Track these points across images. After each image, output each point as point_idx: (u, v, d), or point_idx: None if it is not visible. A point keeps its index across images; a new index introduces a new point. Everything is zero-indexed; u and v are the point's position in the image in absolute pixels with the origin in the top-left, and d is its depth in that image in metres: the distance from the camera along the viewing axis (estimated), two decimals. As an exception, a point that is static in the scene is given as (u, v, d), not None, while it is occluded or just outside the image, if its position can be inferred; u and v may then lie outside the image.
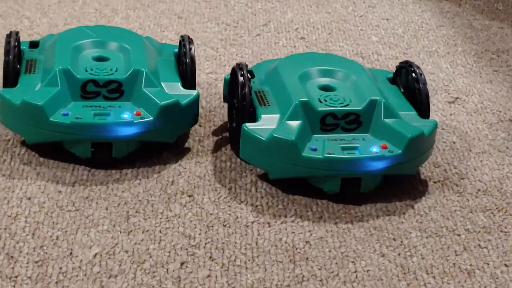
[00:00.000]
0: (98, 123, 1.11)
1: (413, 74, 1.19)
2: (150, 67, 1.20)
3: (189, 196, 1.08)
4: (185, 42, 1.26)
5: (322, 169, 1.07)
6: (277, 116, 1.12)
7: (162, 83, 1.19)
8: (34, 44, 1.29)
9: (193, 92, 1.18)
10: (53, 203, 1.05)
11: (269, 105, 1.14)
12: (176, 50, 1.30)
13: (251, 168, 1.15)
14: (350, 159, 1.06)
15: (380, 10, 1.70)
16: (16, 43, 1.21)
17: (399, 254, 1.00)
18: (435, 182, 1.14)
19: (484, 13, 1.72)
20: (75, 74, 1.15)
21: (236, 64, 1.19)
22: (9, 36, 1.23)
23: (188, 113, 1.18)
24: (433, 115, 1.31)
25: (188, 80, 1.22)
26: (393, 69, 1.40)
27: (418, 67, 1.20)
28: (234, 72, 1.19)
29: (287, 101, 1.12)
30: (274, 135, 1.07)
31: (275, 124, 1.10)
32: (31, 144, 1.16)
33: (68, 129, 1.11)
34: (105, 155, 1.14)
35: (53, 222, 1.01)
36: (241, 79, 1.15)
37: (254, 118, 1.13)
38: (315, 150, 1.07)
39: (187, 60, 1.23)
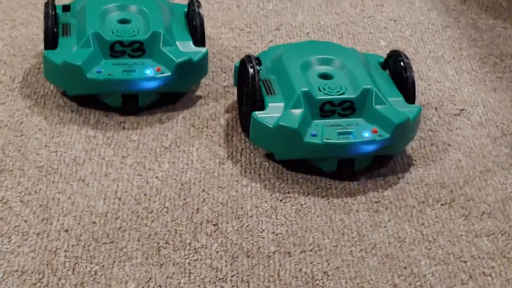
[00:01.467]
0: (127, 79, 1.35)
1: (401, 63, 1.34)
2: (166, 28, 1.42)
3: (214, 225, 1.16)
4: (194, 4, 1.47)
5: (321, 152, 1.24)
6: (282, 104, 1.27)
7: (176, 42, 1.41)
8: (66, 8, 1.51)
9: (203, 49, 1.41)
10: (89, 235, 1.13)
11: (275, 94, 1.29)
12: (186, 9, 1.51)
13: (271, 193, 1.23)
14: (345, 144, 1.23)
15: (388, 9, 1.76)
16: (53, 12, 1.42)
17: (410, 284, 1.09)
18: (442, 205, 1.23)
19: (488, 10, 1.77)
20: (104, 37, 1.38)
21: (246, 56, 1.34)
22: (46, 4, 1.43)
23: (199, 67, 1.41)
24: (440, 129, 1.39)
25: (199, 38, 1.44)
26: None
27: (406, 56, 1.35)
28: (243, 62, 1.33)
29: (290, 90, 1.28)
30: (280, 123, 1.23)
31: (281, 112, 1.25)
32: (71, 96, 1.39)
33: (102, 84, 1.35)
34: (133, 105, 1.38)
35: (91, 256, 1.10)
36: (251, 71, 1.31)
37: (261, 105, 1.27)
38: (315, 135, 1.24)
39: (197, 20, 1.45)
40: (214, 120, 1.38)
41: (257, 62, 1.36)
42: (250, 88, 1.29)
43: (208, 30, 1.64)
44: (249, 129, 1.28)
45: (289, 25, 1.68)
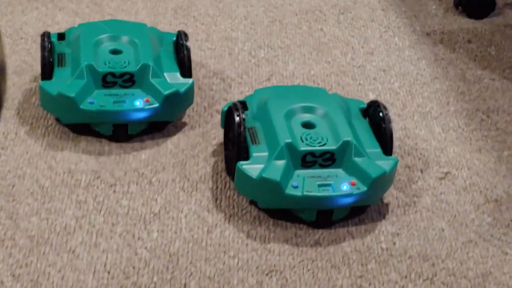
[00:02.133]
0: (117, 110, 1.44)
1: (380, 114, 1.40)
2: (155, 59, 1.50)
3: (201, 302, 1.19)
4: (182, 37, 1.56)
5: (302, 204, 1.30)
6: (266, 154, 1.32)
7: (164, 73, 1.49)
8: (61, 36, 1.58)
9: (189, 81, 1.50)
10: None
11: (259, 143, 1.34)
12: (174, 38, 1.59)
13: (257, 266, 1.26)
14: (324, 197, 1.29)
15: (378, 57, 1.78)
16: (49, 44, 1.50)
17: None
18: (424, 280, 1.25)
19: (477, 59, 1.79)
20: (97, 68, 1.45)
21: (233, 104, 1.39)
22: (43, 36, 1.52)
23: (186, 98, 1.50)
24: (424, 194, 1.41)
25: (185, 69, 1.52)
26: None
27: (385, 107, 1.40)
28: (230, 110, 1.38)
29: (274, 140, 1.33)
30: (263, 175, 1.29)
31: (264, 163, 1.31)
32: (65, 123, 1.48)
33: (94, 114, 1.44)
34: (122, 133, 1.47)
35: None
36: (237, 119, 1.35)
37: (246, 153, 1.34)
38: (296, 187, 1.29)
39: (184, 53, 1.53)
40: (203, 183, 1.41)
41: (243, 107, 1.41)
42: (236, 136, 1.35)
43: (200, 81, 1.66)
44: (234, 174, 1.34)
45: (280, 74, 1.70)
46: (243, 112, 1.37)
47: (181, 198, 1.37)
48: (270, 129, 1.36)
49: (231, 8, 1.92)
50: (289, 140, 1.32)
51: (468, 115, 1.62)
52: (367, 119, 1.44)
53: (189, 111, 1.56)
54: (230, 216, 1.35)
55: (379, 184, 1.32)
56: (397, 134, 1.55)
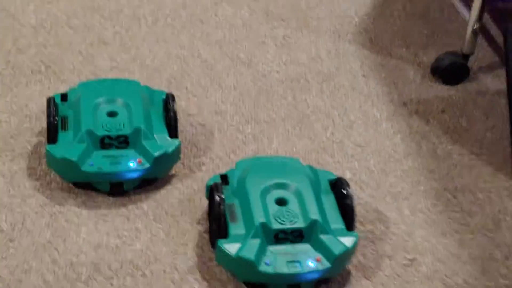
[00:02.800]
0: (113, 172, 1.65)
1: (344, 192, 1.59)
2: (146, 122, 1.71)
3: None
4: (169, 101, 1.77)
5: (273, 279, 1.49)
6: (243, 232, 1.51)
7: (154, 134, 1.70)
8: (63, 97, 1.78)
9: (176, 142, 1.71)
10: None
11: (237, 222, 1.54)
12: (164, 96, 1.80)
13: None
14: (293, 274, 1.48)
15: (356, 132, 1.92)
16: (54, 110, 1.70)
17: None
18: None
19: (449, 132, 1.93)
20: (95, 133, 1.67)
21: (214, 184, 1.59)
22: (48, 102, 1.72)
23: (173, 157, 1.72)
24: (391, 284, 1.57)
25: (172, 129, 1.74)
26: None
27: (348, 185, 1.60)
28: (211, 190, 1.58)
29: (250, 220, 1.53)
30: (239, 254, 1.48)
31: (241, 241, 1.50)
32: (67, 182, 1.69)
33: (93, 175, 1.65)
34: (119, 190, 1.68)
35: None
36: (217, 199, 1.55)
37: (225, 229, 1.53)
38: (268, 264, 1.48)
39: (171, 115, 1.74)
40: (191, 274, 1.56)
41: (224, 181, 1.63)
42: (216, 214, 1.54)
43: (191, 161, 1.80)
44: (215, 248, 1.53)
45: (264, 152, 1.85)
46: (222, 192, 1.57)
47: (171, 292, 1.53)
48: (247, 208, 1.56)
49: (221, 77, 2.06)
50: (263, 220, 1.52)
51: (436, 195, 1.77)
52: (332, 194, 1.63)
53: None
54: (215, 308, 1.51)
55: (342, 259, 1.53)
56: (370, 217, 1.70)
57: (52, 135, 1.70)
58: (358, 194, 1.75)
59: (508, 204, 1.75)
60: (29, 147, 1.81)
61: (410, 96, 2.04)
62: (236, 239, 1.51)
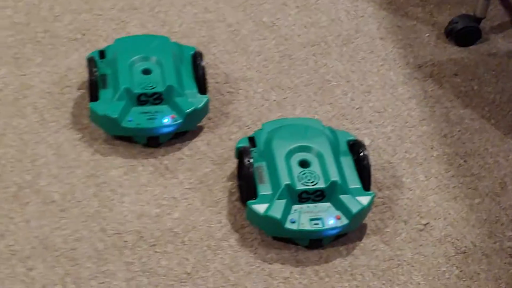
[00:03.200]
0: (150, 127, 1.84)
1: (361, 154, 1.76)
2: (177, 79, 1.89)
3: None
4: (197, 58, 1.94)
5: (298, 234, 1.69)
6: (270, 193, 1.70)
7: (185, 91, 1.89)
8: (101, 53, 1.96)
9: (205, 98, 1.89)
10: None
11: (264, 183, 1.72)
12: (192, 52, 1.98)
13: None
14: (315, 230, 1.67)
15: (374, 97, 2.05)
16: (94, 69, 1.88)
17: None
18: (400, 334, 1.60)
19: (461, 96, 2.07)
20: (133, 91, 1.84)
21: (243, 148, 1.77)
22: (89, 61, 1.91)
23: (202, 112, 1.90)
24: (406, 247, 1.74)
25: (201, 85, 1.92)
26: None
27: (364, 147, 1.77)
28: (241, 154, 1.76)
29: (277, 181, 1.71)
30: (268, 213, 1.66)
31: (269, 201, 1.68)
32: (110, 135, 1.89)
33: (132, 130, 1.84)
34: (155, 142, 1.88)
35: None
36: (246, 163, 1.73)
37: (254, 189, 1.71)
38: (293, 222, 1.66)
39: (200, 73, 1.93)
40: (226, 240, 1.73)
41: (252, 143, 1.80)
42: (245, 177, 1.72)
43: (221, 129, 1.95)
44: (245, 204, 1.71)
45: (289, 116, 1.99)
46: (250, 155, 1.74)
47: (208, 257, 1.70)
48: (274, 170, 1.73)
49: (246, 42, 2.18)
50: (288, 182, 1.69)
51: (448, 160, 1.92)
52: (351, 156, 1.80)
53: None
54: (248, 273, 1.68)
55: (359, 217, 1.71)
56: (387, 182, 1.86)
57: (94, 93, 1.87)
58: (376, 160, 1.90)
59: (515, 167, 1.91)
60: (72, 118, 1.96)
61: (425, 59, 2.16)
62: (264, 200, 1.69)
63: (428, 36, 2.23)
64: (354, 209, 1.68)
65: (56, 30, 2.18)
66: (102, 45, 2.13)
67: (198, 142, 1.92)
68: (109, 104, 1.84)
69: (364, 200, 1.71)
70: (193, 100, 1.88)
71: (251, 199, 1.70)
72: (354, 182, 1.73)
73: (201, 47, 2.15)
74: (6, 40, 2.14)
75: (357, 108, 2.03)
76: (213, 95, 2.01)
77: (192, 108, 1.86)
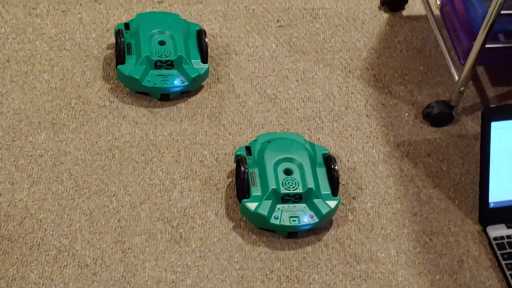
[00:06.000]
0: (164, 86, 2.46)
1: (332, 166, 2.27)
2: (186, 51, 2.50)
3: None
4: (201, 34, 2.55)
5: (279, 228, 2.19)
6: (260, 194, 2.19)
7: (191, 60, 2.49)
8: (126, 26, 2.56)
9: (206, 66, 2.51)
10: None
11: (256, 186, 2.21)
12: (197, 29, 2.58)
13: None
14: (293, 226, 2.18)
15: (358, 174, 2.41)
16: (122, 39, 2.49)
17: None
18: None
19: (431, 176, 2.42)
20: (151, 58, 2.45)
21: (241, 157, 2.26)
22: (117, 33, 2.51)
23: (204, 76, 2.52)
24: (376, 317, 2.12)
25: (203, 56, 2.53)
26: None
27: (335, 161, 2.28)
28: (238, 162, 2.26)
29: (266, 185, 2.21)
30: (257, 211, 2.17)
31: (258, 201, 2.18)
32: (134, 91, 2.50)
33: (150, 88, 2.46)
34: (166, 98, 2.49)
35: None
36: (242, 169, 2.23)
37: (248, 190, 2.21)
38: (276, 218, 2.17)
39: (203, 46, 2.53)
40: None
41: (248, 152, 2.30)
42: (242, 180, 2.22)
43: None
44: (240, 202, 2.22)
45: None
46: (246, 162, 2.23)
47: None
48: (264, 176, 2.22)
49: (252, 113, 2.53)
50: (274, 186, 2.19)
51: (416, 237, 2.29)
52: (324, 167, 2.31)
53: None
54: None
55: (327, 216, 2.22)
56: (364, 257, 2.23)
57: (121, 58, 2.47)
58: (357, 235, 2.28)
59: (472, 247, 2.28)
60: (102, 185, 2.31)
61: (403, 138, 2.52)
62: (255, 199, 2.18)
63: (407, 115, 2.58)
64: (324, 210, 2.19)
65: (88, 96, 2.51)
66: (128, 113, 2.47)
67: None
68: (133, 67, 2.45)
69: (332, 203, 2.21)
70: (197, 67, 2.49)
71: (245, 198, 2.21)
72: (325, 188, 2.24)
73: (212, 118, 2.50)
74: (45, 105, 2.48)
75: (344, 184, 2.39)
76: (220, 165, 2.37)
77: (197, 74, 2.48)
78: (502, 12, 2.24)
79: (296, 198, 2.20)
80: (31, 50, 2.62)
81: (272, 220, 2.17)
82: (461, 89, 2.45)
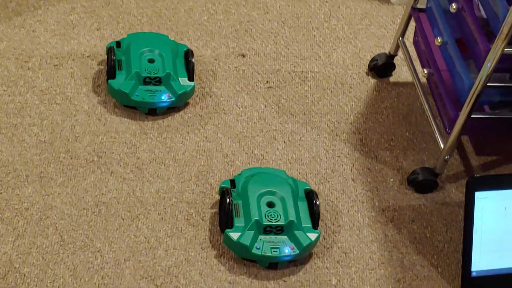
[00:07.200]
0: (152, 101, 2.59)
1: (313, 201, 2.34)
2: (173, 68, 2.63)
3: None
4: (189, 55, 2.70)
5: (261, 258, 2.25)
6: (243, 225, 2.25)
7: (179, 77, 2.63)
8: (118, 44, 2.71)
9: (192, 84, 2.65)
10: None
11: (239, 217, 2.27)
12: (185, 49, 2.73)
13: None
14: (274, 256, 2.24)
15: (343, 238, 2.43)
16: (113, 56, 2.63)
17: None
18: None
19: (415, 242, 2.44)
20: (140, 74, 2.59)
21: (225, 189, 2.32)
22: (108, 49, 2.66)
23: (190, 93, 2.66)
24: None
25: (190, 74, 2.67)
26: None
27: (317, 196, 2.35)
28: (223, 193, 2.32)
29: (248, 217, 2.26)
30: (239, 241, 2.22)
31: (241, 231, 2.23)
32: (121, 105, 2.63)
33: (139, 102, 2.59)
34: (153, 112, 2.61)
35: None
36: (227, 201, 2.29)
37: (231, 221, 2.27)
38: (258, 249, 2.22)
39: (190, 66, 2.68)
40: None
41: (232, 185, 2.37)
42: (225, 211, 2.28)
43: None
44: (223, 232, 2.27)
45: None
46: (231, 194, 2.29)
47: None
48: (247, 207, 2.28)
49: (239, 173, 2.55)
50: (257, 218, 2.25)
51: (399, 304, 2.31)
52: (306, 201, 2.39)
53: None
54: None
55: (307, 248, 2.28)
56: (346, 322, 2.24)
57: (112, 73, 2.61)
58: (340, 299, 2.29)
59: (453, 315, 2.30)
60: (87, 240, 2.31)
61: (388, 203, 2.55)
62: (238, 230, 2.25)
63: (392, 180, 2.61)
64: (304, 242, 2.26)
65: (77, 151, 2.53)
66: (116, 168, 2.48)
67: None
68: (123, 82, 2.58)
69: (312, 236, 2.28)
70: (184, 84, 2.62)
71: (228, 228, 2.25)
72: (306, 221, 2.30)
73: (199, 176, 2.51)
74: (33, 158, 2.49)
75: (328, 248, 2.40)
76: (206, 224, 2.38)
77: (183, 90, 2.61)
78: (489, 84, 2.29)
79: (278, 230, 2.26)
80: (22, 102, 2.64)
81: (254, 250, 2.22)
82: (446, 157, 2.49)
